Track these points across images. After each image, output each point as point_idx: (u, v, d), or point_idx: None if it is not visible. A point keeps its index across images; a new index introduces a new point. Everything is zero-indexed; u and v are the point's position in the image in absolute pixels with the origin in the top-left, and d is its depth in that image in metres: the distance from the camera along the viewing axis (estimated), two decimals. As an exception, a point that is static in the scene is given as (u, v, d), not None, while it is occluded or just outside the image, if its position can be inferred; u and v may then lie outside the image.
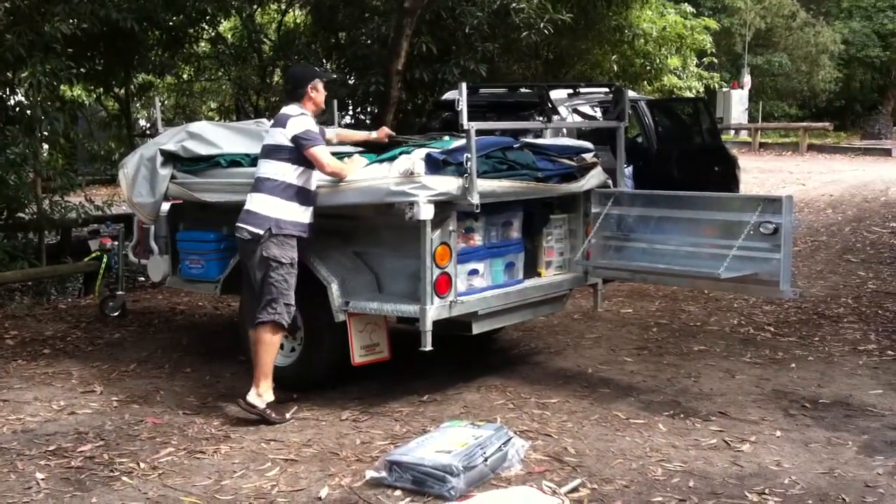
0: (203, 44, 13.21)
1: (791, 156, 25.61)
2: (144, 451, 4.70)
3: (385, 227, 5.51)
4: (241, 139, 6.37)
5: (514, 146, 5.74)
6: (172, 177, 6.01)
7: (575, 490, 4.12)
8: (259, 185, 5.18)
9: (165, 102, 16.01)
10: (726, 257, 5.10)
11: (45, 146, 10.43)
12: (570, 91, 9.12)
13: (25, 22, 8.68)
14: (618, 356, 6.44)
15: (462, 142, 5.20)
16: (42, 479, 4.34)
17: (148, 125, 17.69)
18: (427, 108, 11.79)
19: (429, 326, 5.07)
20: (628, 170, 7.81)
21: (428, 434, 4.59)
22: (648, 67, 15.22)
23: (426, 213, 4.96)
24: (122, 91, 12.05)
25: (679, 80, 16.35)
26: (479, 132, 5.18)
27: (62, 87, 10.05)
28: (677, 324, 7.41)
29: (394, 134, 6.04)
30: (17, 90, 9.51)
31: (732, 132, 29.09)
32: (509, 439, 4.43)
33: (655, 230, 5.70)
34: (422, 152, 5.23)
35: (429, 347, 5.09)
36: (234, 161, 5.94)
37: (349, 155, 5.53)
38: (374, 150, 5.65)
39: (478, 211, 5.15)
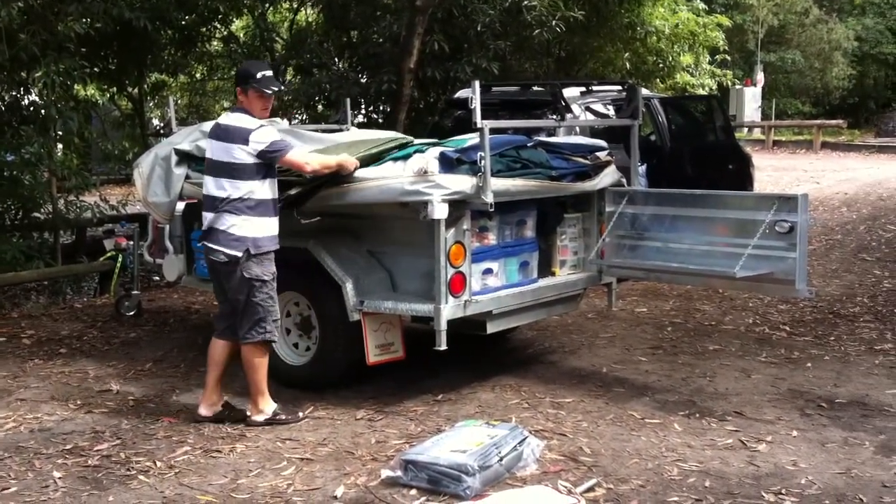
0: (216, 43, 13.25)
1: (805, 153, 25.50)
2: (161, 449, 4.72)
3: (399, 225, 5.51)
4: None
5: (528, 145, 5.73)
6: (187, 176, 6.01)
7: (590, 490, 4.12)
8: (223, 203, 4.91)
9: (179, 102, 16.07)
10: (741, 256, 5.08)
11: (60, 146, 10.46)
12: (583, 89, 9.10)
13: (39, 21, 8.71)
14: (632, 355, 6.43)
15: (475, 140, 5.19)
16: (59, 478, 4.37)
17: (161, 124, 17.77)
18: (439, 106, 11.79)
19: (443, 326, 5.07)
20: (642, 168, 7.79)
21: (443, 433, 4.60)
22: (661, 65, 15.17)
23: (440, 212, 4.96)
24: (136, 90, 12.10)
25: (692, 77, 16.30)
26: (493, 131, 5.17)
27: (76, 86, 10.08)
28: (692, 323, 7.39)
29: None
30: (32, 90, 9.54)
31: (746, 130, 29.01)
32: (524, 439, 4.43)
33: (670, 229, 5.69)
34: (436, 151, 5.24)
35: (443, 347, 5.09)
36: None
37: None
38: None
39: (492, 210, 5.14)
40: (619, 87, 9.26)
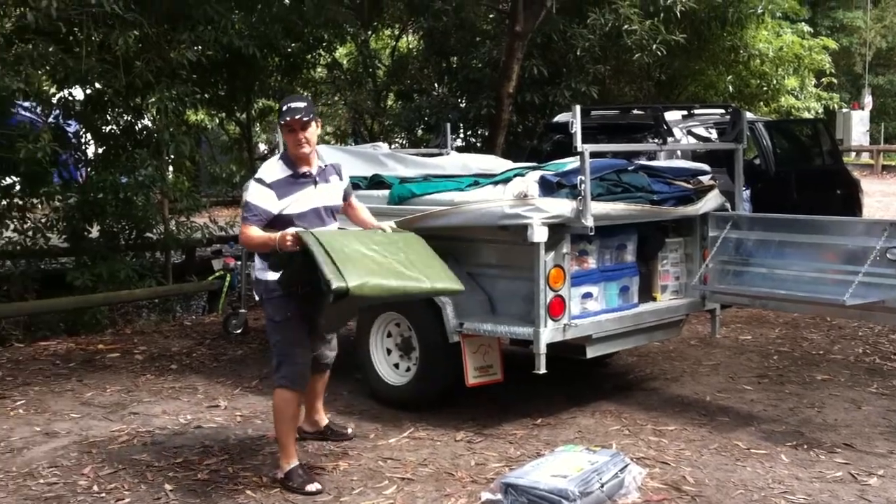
0: (320, 69, 13.57)
1: (916, 178, 24.59)
2: (266, 465, 4.83)
3: (499, 248, 5.54)
4: (358, 162, 6.54)
5: (629, 168, 5.71)
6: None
7: (694, 519, 4.05)
8: None
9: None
10: (851, 283, 4.95)
11: (171, 169, 10.85)
12: (685, 112, 9.01)
13: (154, 49, 9.08)
14: (737, 384, 6.30)
15: (576, 164, 5.20)
16: (170, 490, 4.52)
17: (267, 148, 18.23)
18: (537, 130, 11.82)
19: (542, 349, 5.08)
20: (746, 192, 7.65)
21: (542, 458, 4.58)
22: (765, 88, 14.85)
23: (540, 235, 4.99)
24: (244, 115, 12.46)
25: (797, 100, 15.91)
26: (593, 154, 5.17)
27: (187, 111, 10.46)
28: (799, 352, 7.20)
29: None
30: (145, 115, 9.93)
31: (853, 154, 28.13)
32: (626, 466, 4.38)
33: (776, 254, 5.58)
34: (536, 175, 5.27)
35: (542, 370, 5.09)
36: (352, 184, 6.07)
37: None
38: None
39: (592, 234, 5.14)
40: (722, 111, 9.14)
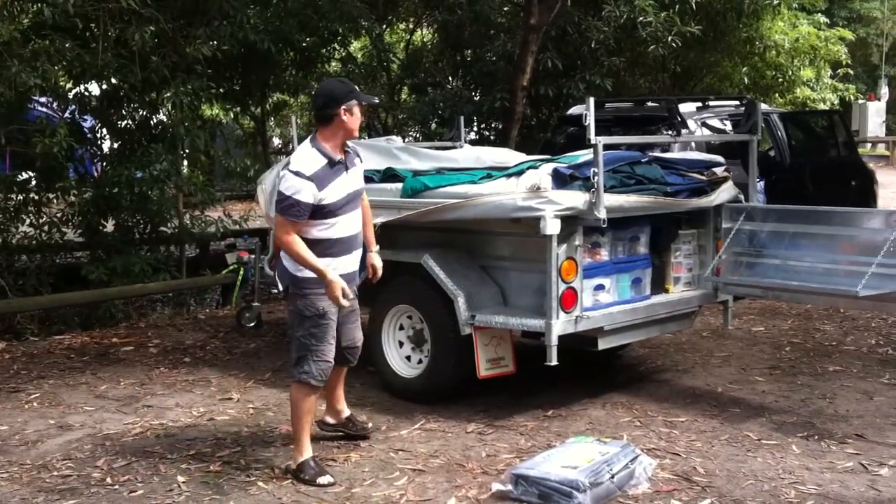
0: (334, 63, 13.59)
1: (934, 170, 24.39)
2: (279, 457, 4.86)
3: (511, 241, 5.55)
4: (372, 156, 6.52)
5: (642, 160, 5.70)
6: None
7: (704, 510, 4.06)
8: None
9: (299, 121, 16.52)
10: (865, 274, 4.93)
11: (186, 163, 10.90)
12: (699, 104, 8.98)
13: (169, 45, 9.13)
14: (749, 375, 6.28)
15: (589, 156, 5.20)
16: (183, 482, 4.55)
17: (281, 143, 18.26)
18: (551, 123, 11.80)
19: (554, 341, 5.08)
20: (760, 184, 7.63)
21: (553, 449, 4.60)
22: (780, 79, 14.79)
23: (553, 227, 4.99)
24: (258, 110, 12.50)
25: (812, 91, 15.82)
26: (607, 146, 5.17)
27: (202, 106, 10.50)
28: (811, 343, 7.17)
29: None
30: (160, 110, 9.98)
31: (869, 145, 27.94)
32: (636, 457, 4.39)
33: (789, 246, 5.56)
34: (549, 167, 5.27)
35: (554, 362, 5.10)
36: (366, 177, 6.09)
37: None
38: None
39: (604, 226, 5.13)
40: (737, 102, 9.11)
